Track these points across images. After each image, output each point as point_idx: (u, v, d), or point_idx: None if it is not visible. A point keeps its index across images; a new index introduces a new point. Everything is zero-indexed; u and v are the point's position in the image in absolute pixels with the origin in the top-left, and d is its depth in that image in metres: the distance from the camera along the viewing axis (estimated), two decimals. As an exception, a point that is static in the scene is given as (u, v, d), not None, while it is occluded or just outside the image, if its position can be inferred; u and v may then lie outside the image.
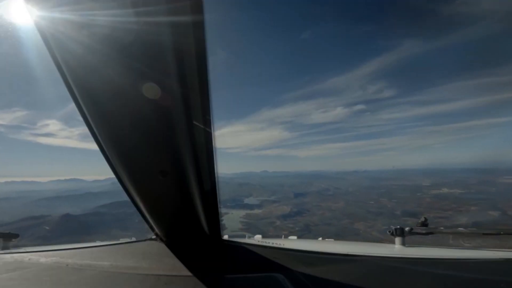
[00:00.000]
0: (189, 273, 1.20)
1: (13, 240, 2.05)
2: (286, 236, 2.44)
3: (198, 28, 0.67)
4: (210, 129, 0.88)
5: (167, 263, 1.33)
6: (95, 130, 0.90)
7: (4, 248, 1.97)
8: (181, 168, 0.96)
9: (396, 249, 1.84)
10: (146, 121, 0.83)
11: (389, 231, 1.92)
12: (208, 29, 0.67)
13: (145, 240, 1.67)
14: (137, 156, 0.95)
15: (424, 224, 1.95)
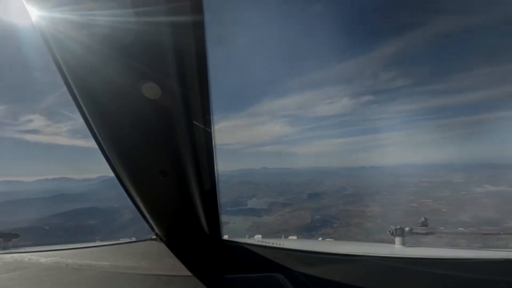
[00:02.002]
0: (189, 273, 1.20)
1: (13, 240, 2.05)
2: (286, 236, 2.44)
3: (198, 28, 0.67)
4: (210, 129, 0.88)
5: (167, 263, 1.33)
6: (95, 130, 0.90)
7: (4, 248, 1.97)
8: (181, 168, 0.96)
9: (396, 249, 1.84)
10: (146, 121, 0.83)
11: (389, 231, 1.92)
12: (208, 28, 0.68)
13: (145, 240, 1.67)
14: (137, 156, 0.95)
15: (424, 224, 1.95)
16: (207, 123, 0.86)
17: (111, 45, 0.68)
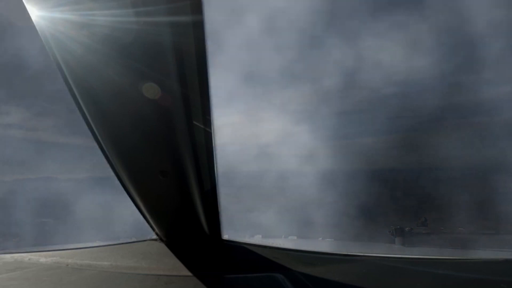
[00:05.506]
0: (189, 273, 1.20)
1: (13, 240, 2.05)
2: (286, 236, 2.44)
3: (198, 28, 0.67)
4: (210, 129, 0.88)
5: (167, 263, 1.33)
6: (95, 129, 0.91)
7: (4, 248, 1.97)
8: (181, 168, 0.96)
9: (396, 249, 1.85)
10: (146, 121, 0.83)
11: (389, 231, 1.92)
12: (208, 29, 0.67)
13: (145, 240, 1.67)
14: (137, 156, 0.95)
15: (424, 224, 1.95)
16: (207, 123, 0.86)
17: (111, 45, 0.68)
